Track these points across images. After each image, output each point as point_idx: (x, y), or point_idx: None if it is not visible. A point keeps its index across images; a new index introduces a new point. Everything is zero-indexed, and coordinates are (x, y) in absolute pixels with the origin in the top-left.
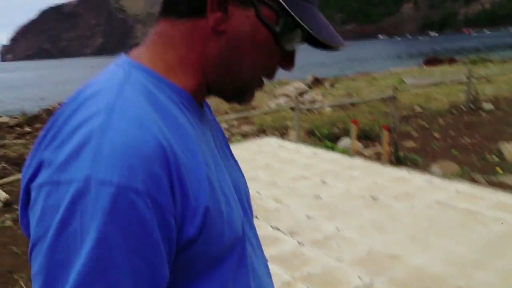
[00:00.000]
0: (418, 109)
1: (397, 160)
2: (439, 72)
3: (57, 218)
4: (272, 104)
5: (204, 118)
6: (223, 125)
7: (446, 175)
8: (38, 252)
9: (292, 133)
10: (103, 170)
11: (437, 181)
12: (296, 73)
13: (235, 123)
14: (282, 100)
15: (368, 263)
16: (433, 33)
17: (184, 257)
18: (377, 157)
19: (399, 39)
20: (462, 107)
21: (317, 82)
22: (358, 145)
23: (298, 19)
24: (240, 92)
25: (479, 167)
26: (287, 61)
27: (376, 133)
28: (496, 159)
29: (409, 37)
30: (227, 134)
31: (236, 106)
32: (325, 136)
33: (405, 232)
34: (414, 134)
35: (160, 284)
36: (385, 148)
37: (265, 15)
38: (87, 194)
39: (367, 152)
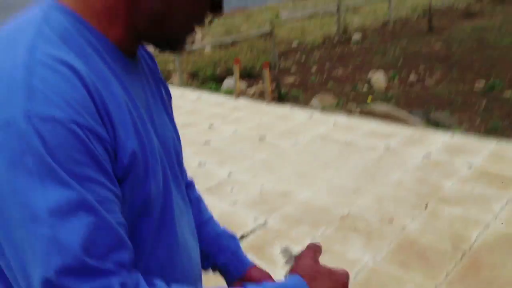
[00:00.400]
0: (295, 43)
1: (280, 97)
2: (311, 3)
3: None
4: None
5: (136, 69)
6: None
7: (324, 108)
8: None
9: (175, 77)
10: (39, 107)
11: (317, 115)
12: None
13: None
14: None
15: (261, 203)
16: None
17: None
18: (261, 95)
19: None
20: (334, 38)
21: None
22: (242, 84)
23: None
24: (172, 40)
25: (353, 96)
26: (216, 7)
27: (258, 71)
28: (366, 88)
29: None
30: None
31: None
32: (209, 78)
33: (292, 169)
34: (293, 69)
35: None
36: (267, 86)
37: None
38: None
39: (251, 90)
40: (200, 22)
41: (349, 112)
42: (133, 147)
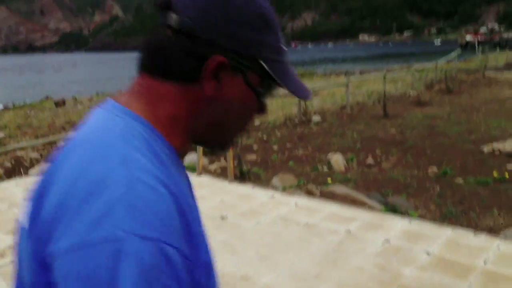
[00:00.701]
0: (257, 122)
1: (241, 175)
2: None
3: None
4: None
5: (184, 174)
6: None
7: (285, 188)
8: None
9: None
10: (139, 226)
11: (278, 196)
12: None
13: None
14: None
15: (221, 286)
16: None
17: None
18: (223, 172)
19: None
20: (295, 119)
21: None
22: (204, 160)
23: (279, 81)
24: (226, 144)
25: (313, 177)
26: (262, 109)
27: None
28: (326, 169)
29: None
30: None
31: (72, 120)
32: None
33: (254, 251)
34: (255, 147)
35: None
36: (229, 164)
37: (252, 79)
38: (125, 251)
39: (213, 167)
40: (250, 123)
41: (310, 193)
42: (207, 260)
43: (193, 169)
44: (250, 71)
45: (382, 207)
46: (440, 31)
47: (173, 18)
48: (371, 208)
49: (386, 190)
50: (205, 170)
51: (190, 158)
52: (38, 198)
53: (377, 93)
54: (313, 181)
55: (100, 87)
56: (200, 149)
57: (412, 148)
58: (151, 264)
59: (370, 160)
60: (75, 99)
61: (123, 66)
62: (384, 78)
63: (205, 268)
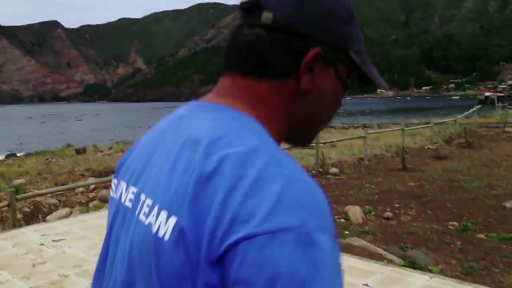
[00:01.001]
0: None
1: None
2: None
3: (284, 266)
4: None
5: None
6: (79, 189)
7: None
8: None
9: None
10: (314, 217)
11: None
12: None
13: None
14: None
15: None
16: None
17: None
18: None
19: None
20: (312, 170)
21: None
22: None
23: (366, 72)
24: (312, 138)
25: None
26: (341, 102)
27: None
28: (343, 221)
29: None
30: (84, 199)
31: (92, 167)
32: None
33: None
34: None
35: None
36: None
37: (342, 71)
38: (305, 240)
39: None
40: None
41: None
42: None
43: None
44: (341, 64)
45: (401, 261)
46: (458, 87)
47: (267, 16)
48: (389, 262)
49: (405, 244)
50: None
51: None
52: (191, 207)
53: (395, 146)
54: None
55: (120, 135)
56: None
57: (431, 201)
58: (333, 253)
59: (388, 213)
60: (95, 147)
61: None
62: (403, 131)
63: None
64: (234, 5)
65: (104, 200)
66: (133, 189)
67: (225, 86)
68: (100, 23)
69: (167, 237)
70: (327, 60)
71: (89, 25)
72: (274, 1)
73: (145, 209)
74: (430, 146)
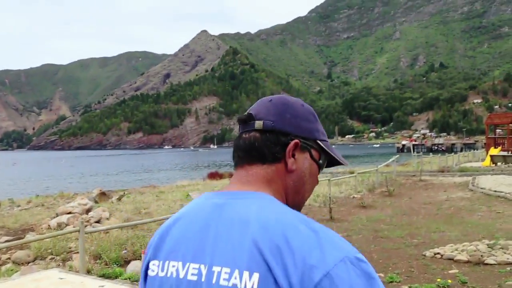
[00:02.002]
0: None
1: None
2: (220, 185)
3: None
4: (54, 223)
5: None
6: None
7: None
8: None
9: (77, 258)
10: (355, 252)
11: None
12: (81, 185)
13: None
14: (64, 219)
15: None
16: (213, 146)
17: None
18: None
19: (182, 149)
20: None
21: (103, 195)
22: None
23: (332, 154)
24: (301, 206)
25: None
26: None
27: None
28: None
29: (192, 148)
30: None
31: (6, 225)
32: (113, 261)
33: None
34: None
35: None
36: None
37: (315, 155)
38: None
39: None
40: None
41: None
42: None
43: (136, 279)
44: (313, 149)
45: None
46: (378, 135)
47: (259, 123)
48: None
49: None
50: None
51: (134, 265)
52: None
53: (323, 196)
54: None
55: (40, 187)
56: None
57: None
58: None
59: None
60: (11, 201)
61: (65, 165)
62: (329, 180)
63: None
64: (164, 54)
65: (19, 263)
66: (194, 265)
67: (242, 175)
68: (22, 68)
69: (255, 287)
70: (303, 147)
71: (9, 69)
72: (262, 114)
73: (224, 276)
74: (355, 195)
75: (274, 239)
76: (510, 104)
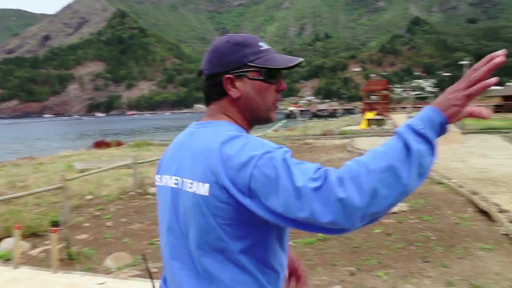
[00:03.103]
0: (89, 196)
1: (70, 258)
2: (107, 155)
3: (279, 169)
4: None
5: None
6: None
7: (120, 268)
8: (281, 190)
9: None
10: (275, 148)
11: (111, 283)
12: None
13: None
14: None
15: None
16: (99, 114)
17: None
18: (48, 258)
19: (66, 118)
20: (131, 192)
21: None
22: (25, 245)
23: (267, 67)
24: (266, 119)
25: (151, 254)
26: (281, 86)
27: (46, 228)
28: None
29: (77, 116)
30: None
31: None
32: None
33: None
34: (87, 224)
35: None
36: (53, 249)
37: (253, 75)
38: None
39: (36, 252)
40: (278, 99)
41: (149, 272)
42: None
43: (8, 258)
44: (249, 72)
45: None
46: None
47: (203, 76)
48: None
49: None
50: (26, 258)
51: (7, 243)
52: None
53: None
54: (151, 258)
55: None
56: (17, 238)
57: None
58: (285, 157)
59: None
60: None
61: None
62: None
63: None
64: (42, 14)
65: None
66: (176, 177)
67: (208, 111)
68: None
69: (207, 194)
70: (237, 76)
71: None
72: (203, 65)
73: (190, 185)
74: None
75: (218, 157)
76: (383, 73)
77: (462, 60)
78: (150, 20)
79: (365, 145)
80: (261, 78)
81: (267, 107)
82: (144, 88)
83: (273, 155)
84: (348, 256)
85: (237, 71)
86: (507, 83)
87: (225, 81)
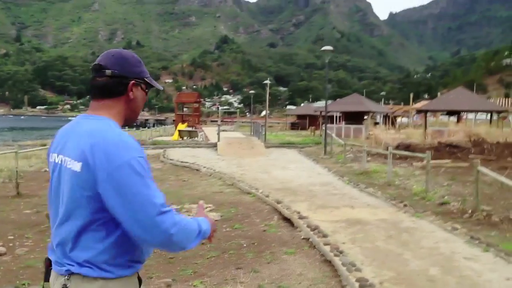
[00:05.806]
0: None
1: None
2: None
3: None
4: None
5: None
6: None
7: None
8: (135, 191)
9: None
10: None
11: None
12: None
13: None
14: None
15: None
16: None
17: None
18: None
19: None
20: None
21: None
22: None
23: (153, 84)
24: (135, 120)
25: None
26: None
27: None
28: None
29: None
30: None
31: None
32: None
33: None
34: None
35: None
36: None
37: (143, 87)
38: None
39: None
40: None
41: None
42: None
43: None
44: (143, 84)
45: None
46: (74, 108)
47: (109, 72)
48: None
49: (21, 281)
50: None
51: None
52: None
53: (8, 170)
54: None
55: None
56: None
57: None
58: (142, 163)
59: (1, 248)
60: None
61: None
62: (16, 153)
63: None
64: None
65: None
66: (60, 156)
67: (95, 105)
68: None
69: (79, 170)
70: (137, 84)
71: None
72: (109, 64)
73: (69, 162)
74: (47, 169)
75: (91, 143)
76: (194, 86)
77: (266, 80)
78: None
79: (178, 156)
80: (146, 90)
81: (139, 112)
82: None
83: (138, 160)
84: (164, 267)
85: (138, 80)
86: (302, 104)
87: (131, 84)
